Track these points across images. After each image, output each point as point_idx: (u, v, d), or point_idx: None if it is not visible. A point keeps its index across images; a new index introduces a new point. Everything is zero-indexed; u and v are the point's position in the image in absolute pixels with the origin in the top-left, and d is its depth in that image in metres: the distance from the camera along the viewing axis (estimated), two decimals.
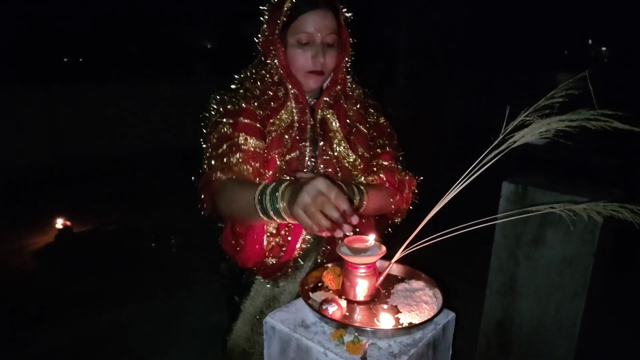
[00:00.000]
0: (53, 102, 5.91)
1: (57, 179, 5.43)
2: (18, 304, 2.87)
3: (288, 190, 0.92)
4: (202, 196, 1.15)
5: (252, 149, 1.16)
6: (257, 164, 1.16)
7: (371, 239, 1.02)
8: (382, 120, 1.38)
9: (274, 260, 1.23)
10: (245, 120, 1.16)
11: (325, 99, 1.25)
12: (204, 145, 1.20)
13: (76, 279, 3.18)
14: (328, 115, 1.26)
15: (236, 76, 1.27)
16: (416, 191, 1.37)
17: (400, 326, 0.91)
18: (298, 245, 1.23)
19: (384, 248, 1.00)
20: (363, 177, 1.30)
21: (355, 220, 0.84)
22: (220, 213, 1.13)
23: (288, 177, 1.12)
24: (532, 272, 2.08)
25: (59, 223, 3.78)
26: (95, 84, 7.42)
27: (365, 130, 1.31)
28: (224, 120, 1.16)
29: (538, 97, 0.95)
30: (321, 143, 1.23)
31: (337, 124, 1.26)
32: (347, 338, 0.86)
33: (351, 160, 1.28)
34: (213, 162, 1.14)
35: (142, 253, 3.61)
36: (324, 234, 0.87)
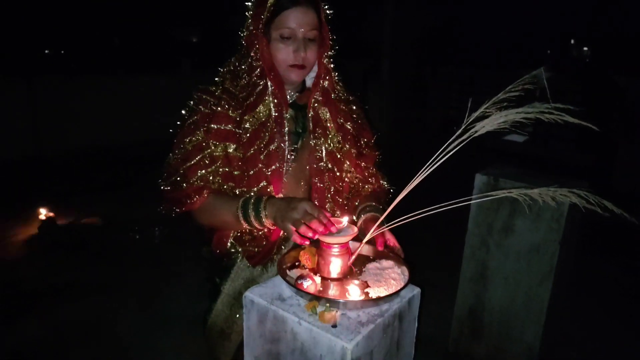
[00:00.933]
0: (35, 93, 5.87)
1: (40, 170, 5.41)
2: (3, 293, 2.88)
3: (270, 205, 1.12)
4: (175, 208, 1.24)
5: (224, 155, 1.24)
6: (233, 169, 1.24)
7: (345, 221, 1.11)
8: (363, 118, 1.46)
9: (259, 249, 1.29)
10: (218, 126, 1.23)
11: (315, 94, 1.31)
12: (175, 141, 1.26)
13: (59, 270, 3.20)
14: (320, 111, 1.33)
15: (220, 69, 1.33)
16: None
17: (368, 298, 0.99)
18: (280, 234, 1.30)
19: (355, 229, 1.10)
20: (361, 185, 1.42)
21: (334, 229, 1.04)
22: (199, 222, 1.28)
23: (248, 193, 1.22)
24: (502, 260, 2.18)
25: (42, 214, 3.79)
26: (77, 76, 7.36)
27: (351, 128, 1.39)
28: (197, 124, 1.23)
29: (520, 96, 1.04)
30: (311, 137, 1.30)
31: (330, 119, 1.33)
32: (320, 309, 0.94)
33: (345, 151, 1.36)
34: (185, 173, 1.21)
35: (125, 244, 3.63)
36: (305, 242, 1.04)
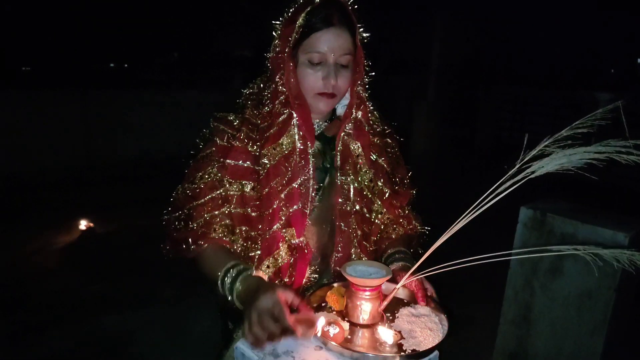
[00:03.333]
0: (89, 105, 6.13)
1: (88, 181, 5.59)
2: (32, 304, 2.93)
3: (245, 282, 0.97)
4: (175, 251, 1.13)
5: (239, 194, 1.12)
6: (249, 211, 1.12)
7: (321, 320, 0.95)
8: (398, 152, 1.32)
9: None
10: (235, 162, 1.12)
11: (346, 126, 1.17)
12: (186, 172, 1.17)
13: (90, 281, 3.23)
14: (351, 145, 1.18)
15: (243, 90, 1.22)
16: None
17: (403, 353, 0.89)
18: (307, 275, 1.18)
19: (389, 271, 0.99)
20: (392, 227, 1.28)
21: (298, 334, 0.85)
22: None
23: (263, 236, 1.10)
24: (548, 304, 1.96)
25: (83, 224, 3.88)
26: (130, 90, 7.65)
27: (385, 165, 1.25)
28: (212, 157, 1.13)
29: (576, 117, 0.88)
30: (338, 174, 1.16)
31: (362, 154, 1.19)
32: None
33: (378, 189, 1.23)
34: (190, 212, 1.11)
35: (158, 258, 3.63)
36: (262, 346, 0.86)
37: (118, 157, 6.23)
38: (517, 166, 0.86)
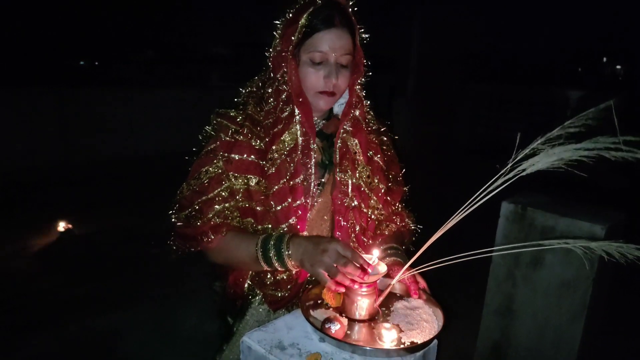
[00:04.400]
0: (64, 104, 5.99)
1: (65, 181, 5.48)
2: (15, 306, 2.88)
3: (295, 245, 1.02)
4: (189, 246, 1.14)
5: (244, 189, 1.14)
6: (254, 204, 1.14)
7: (375, 257, 1.02)
8: (392, 150, 1.36)
9: (284, 293, 1.18)
10: (240, 157, 1.13)
11: (345, 123, 1.20)
12: (190, 169, 1.17)
13: (74, 282, 3.18)
14: (349, 142, 1.22)
15: (242, 89, 1.23)
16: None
17: (402, 345, 0.92)
18: (308, 276, 1.20)
19: (385, 267, 1.02)
20: (385, 223, 1.31)
21: (368, 278, 0.95)
22: (213, 260, 1.17)
23: (285, 228, 1.13)
24: (530, 294, 2.04)
25: (62, 225, 3.81)
26: (107, 88, 7.52)
27: (381, 162, 1.29)
28: (216, 153, 1.14)
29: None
30: (337, 170, 1.19)
31: (360, 151, 1.23)
32: None
33: (375, 186, 1.26)
34: (200, 207, 1.12)
35: (142, 258, 3.61)
36: (341, 289, 0.97)
37: (95, 157, 6.12)
38: (510, 164, 0.90)
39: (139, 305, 2.96)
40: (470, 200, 0.94)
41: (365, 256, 1.00)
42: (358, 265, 0.94)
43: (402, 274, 1.03)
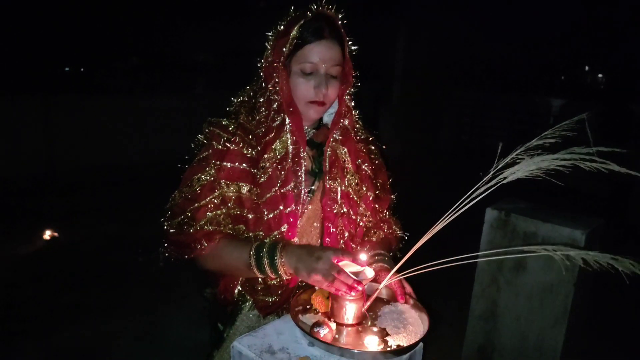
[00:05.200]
0: (50, 111, 5.93)
1: (50, 188, 5.41)
2: (1, 314, 2.84)
3: (288, 253, 1.04)
4: (182, 253, 1.15)
5: (236, 196, 1.16)
6: (246, 212, 1.16)
7: (362, 258, 1.06)
8: (379, 158, 1.40)
9: (275, 299, 1.20)
10: (232, 165, 1.15)
11: (335, 132, 1.24)
12: (182, 177, 1.19)
13: (61, 291, 3.15)
14: (338, 150, 1.25)
15: (233, 99, 1.26)
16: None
17: (389, 348, 0.95)
18: (298, 282, 1.22)
19: (372, 272, 1.05)
20: (373, 230, 1.34)
21: (361, 287, 0.97)
22: (204, 267, 1.19)
23: (277, 235, 1.15)
24: (513, 299, 2.08)
25: (47, 234, 3.77)
26: (92, 95, 7.46)
27: (369, 171, 1.32)
28: (209, 161, 1.16)
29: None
30: (327, 177, 1.22)
31: (349, 159, 1.26)
32: None
33: (363, 193, 1.29)
34: (193, 214, 1.13)
35: (129, 266, 3.59)
36: (340, 293, 0.98)
37: (80, 164, 6.05)
38: (492, 172, 0.94)
39: (127, 312, 2.95)
40: (452, 208, 0.97)
41: (353, 268, 1.03)
42: (350, 274, 0.97)
43: (389, 279, 1.06)
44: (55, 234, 3.81)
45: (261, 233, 1.16)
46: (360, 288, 0.97)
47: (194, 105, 7.00)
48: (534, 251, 0.93)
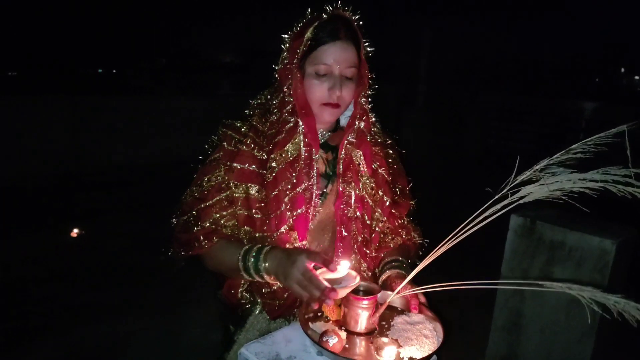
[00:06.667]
0: (76, 111, 6.08)
1: (76, 187, 5.53)
2: (20, 312, 2.89)
3: (271, 257, 1.02)
4: (183, 251, 1.16)
5: (245, 197, 1.16)
6: (253, 213, 1.15)
7: (344, 266, 1.01)
8: (398, 163, 1.36)
9: (281, 302, 1.19)
10: (241, 166, 1.15)
11: (349, 135, 1.21)
12: (195, 177, 1.20)
13: (80, 289, 3.20)
14: (353, 153, 1.23)
15: (251, 101, 1.26)
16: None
17: None
18: None
19: (358, 277, 1.00)
20: (391, 236, 1.31)
21: (337, 294, 0.91)
22: (206, 267, 1.20)
23: (267, 238, 1.14)
24: (538, 310, 2.00)
25: (71, 231, 3.84)
26: (119, 96, 7.62)
27: (386, 175, 1.29)
28: (219, 161, 1.17)
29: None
30: (341, 181, 1.20)
31: (364, 162, 1.23)
32: None
33: (379, 197, 1.26)
34: (198, 214, 1.15)
35: (149, 265, 3.61)
36: (315, 305, 0.94)
37: (106, 164, 6.18)
38: (506, 190, 0.86)
39: (145, 312, 2.96)
40: (461, 226, 0.92)
41: (331, 275, 0.98)
42: (323, 280, 0.93)
43: (402, 288, 1.02)
44: (80, 232, 3.87)
45: (266, 235, 1.14)
46: (336, 296, 0.92)
47: (219, 106, 7.08)
48: (554, 287, 0.84)
